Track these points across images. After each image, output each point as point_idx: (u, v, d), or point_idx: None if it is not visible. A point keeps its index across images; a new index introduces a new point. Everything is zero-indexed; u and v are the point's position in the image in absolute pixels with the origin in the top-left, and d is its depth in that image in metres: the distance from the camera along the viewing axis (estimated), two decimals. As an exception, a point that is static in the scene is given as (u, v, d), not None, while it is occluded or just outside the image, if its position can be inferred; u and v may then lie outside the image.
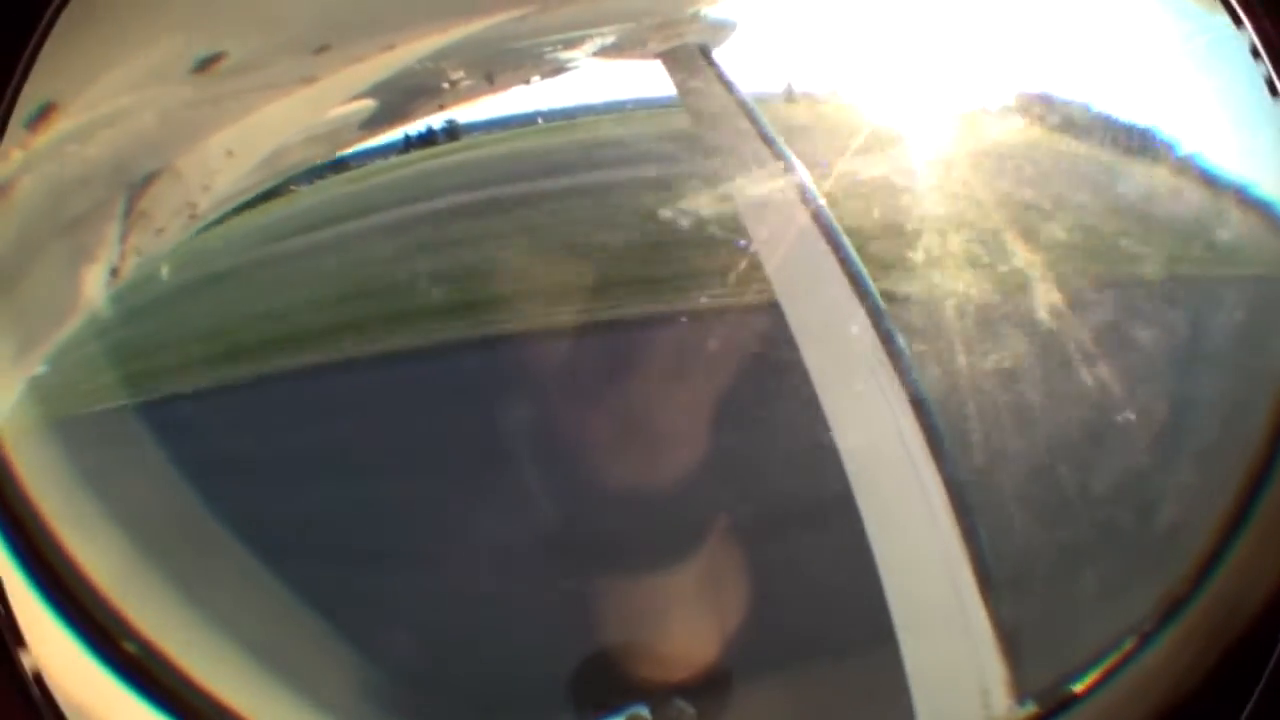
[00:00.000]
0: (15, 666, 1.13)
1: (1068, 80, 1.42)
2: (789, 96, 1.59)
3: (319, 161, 1.58)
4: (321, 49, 1.43)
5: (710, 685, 1.44)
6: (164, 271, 1.45)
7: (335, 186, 1.62)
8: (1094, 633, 1.30)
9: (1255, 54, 1.11)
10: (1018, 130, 1.45)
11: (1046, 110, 1.43)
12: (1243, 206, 1.30)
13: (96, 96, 1.27)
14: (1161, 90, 1.36)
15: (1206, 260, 1.37)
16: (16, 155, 1.15)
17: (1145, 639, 1.23)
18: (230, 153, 1.45)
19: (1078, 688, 1.27)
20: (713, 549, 1.50)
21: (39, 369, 1.34)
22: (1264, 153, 1.20)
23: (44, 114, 1.19)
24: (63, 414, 1.38)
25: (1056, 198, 1.45)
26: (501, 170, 1.69)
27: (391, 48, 1.46)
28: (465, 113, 1.59)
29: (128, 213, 1.40)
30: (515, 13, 1.49)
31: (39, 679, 1.14)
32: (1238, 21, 1.11)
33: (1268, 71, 1.11)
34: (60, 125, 1.22)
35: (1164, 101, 1.36)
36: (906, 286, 1.49)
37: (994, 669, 1.39)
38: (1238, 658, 1.14)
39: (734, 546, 1.51)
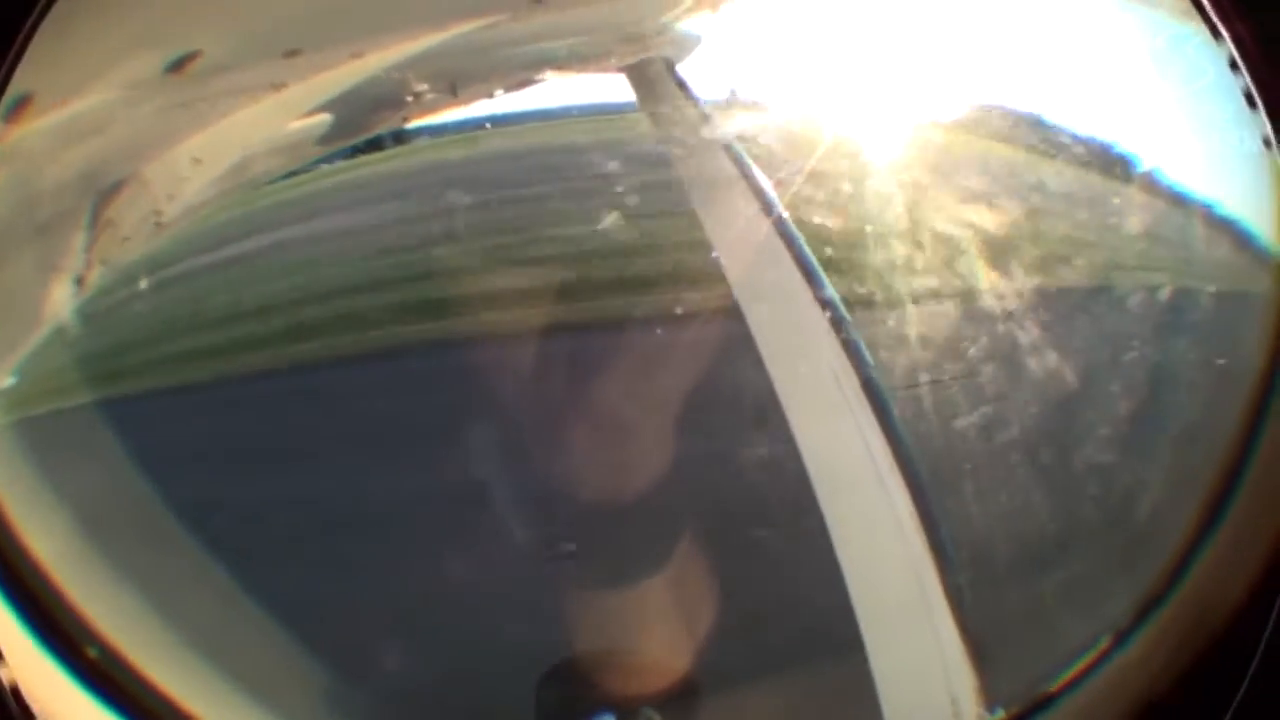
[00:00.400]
0: (-9, 680, 1.12)
1: (1038, 92, 1.44)
2: (750, 105, 1.60)
3: (281, 170, 1.57)
4: (293, 53, 1.42)
5: (677, 694, 1.43)
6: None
7: (286, 190, 1.61)
8: (1066, 635, 1.31)
9: (1233, 66, 1.12)
10: (982, 144, 1.46)
11: (1018, 123, 1.44)
12: (1214, 220, 1.31)
13: (72, 93, 1.25)
14: (1138, 102, 1.37)
15: (1178, 271, 1.39)
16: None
17: (1120, 639, 1.24)
18: (198, 160, 1.44)
19: (1050, 690, 1.27)
20: (677, 557, 1.50)
21: (8, 381, 1.33)
22: (1241, 164, 1.22)
23: (20, 106, 1.17)
24: (27, 422, 1.36)
25: (1017, 208, 1.47)
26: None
27: (360, 55, 1.46)
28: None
29: (94, 221, 1.38)
30: (484, 21, 1.49)
31: (15, 692, 1.12)
32: (1215, 34, 1.12)
33: (1245, 84, 1.12)
34: (35, 121, 1.20)
35: (1141, 113, 1.38)
36: (865, 290, 1.50)
37: (963, 676, 1.39)
38: (1215, 657, 1.15)
39: (699, 555, 1.51)
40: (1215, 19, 1.11)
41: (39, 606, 1.21)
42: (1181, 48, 1.21)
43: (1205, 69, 1.15)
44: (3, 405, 1.31)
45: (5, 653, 1.13)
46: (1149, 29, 1.31)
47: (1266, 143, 1.12)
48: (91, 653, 1.23)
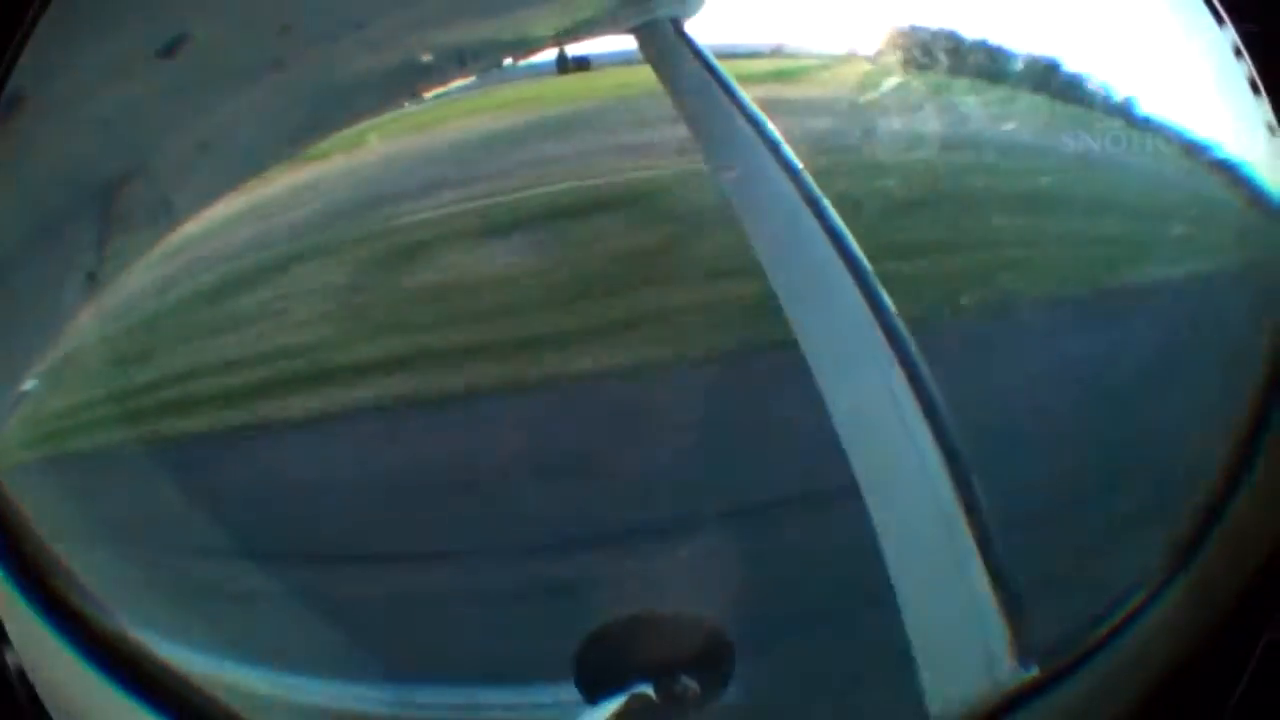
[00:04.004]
0: (-1, 664, 1.12)
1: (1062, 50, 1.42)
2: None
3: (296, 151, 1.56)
4: (286, 28, 1.41)
5: (712, 660, 1.44)
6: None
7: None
8: (1099, 589, 1.30)
9: (1237, 53, 1.11)
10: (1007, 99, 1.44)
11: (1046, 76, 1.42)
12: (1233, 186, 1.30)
13: (64, 90, 1.24)
14: (1146, 84, 1.36)
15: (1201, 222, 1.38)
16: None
17: (1153, 594, 1.23)
18: (204, 145, 1.43)
19: (1085, 646, 1.27)
20: (709, 523, 1.50)
21: (27, 385, 1.33)
22: (1247, 151, 1.21)
23: (14, 107, 1.16)
24: (45, 435, 1.36)
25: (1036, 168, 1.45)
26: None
27: (361, 26, 1.44)
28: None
29: (103, 215, 1.37)
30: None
31: (22, 676, 1.13)
32: (1219, 20, 1.11)
33: (1249, 70, 1.11)
34: (29, 122, 1.20)
35: (1148, 94, 1.36)
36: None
37: (997, 631, 1.39)
38: (1247, 609, 1.14)
39: (730, 518, 1.51)
40: (1219, 4, 1.10)
41: (45, 586, 1.21)
42: (1189, 32, 1.19)
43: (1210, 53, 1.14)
44: (24, 433, 1.32)
45: (12, 636, 1.14)
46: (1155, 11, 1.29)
47: (1270, 129, 1.12)
48: (100, 632, 1.23)
